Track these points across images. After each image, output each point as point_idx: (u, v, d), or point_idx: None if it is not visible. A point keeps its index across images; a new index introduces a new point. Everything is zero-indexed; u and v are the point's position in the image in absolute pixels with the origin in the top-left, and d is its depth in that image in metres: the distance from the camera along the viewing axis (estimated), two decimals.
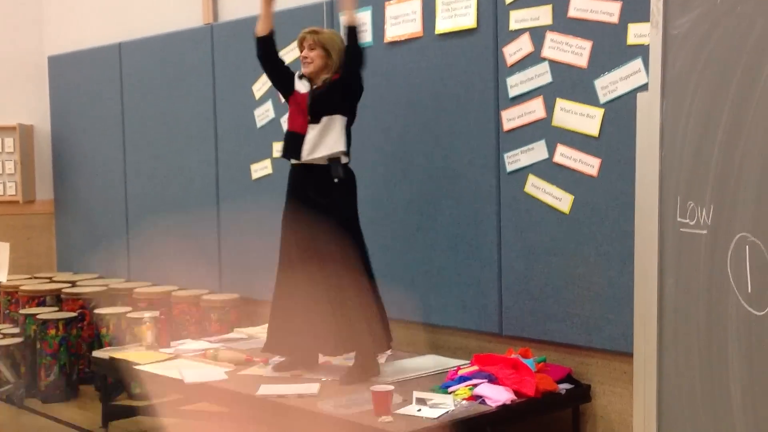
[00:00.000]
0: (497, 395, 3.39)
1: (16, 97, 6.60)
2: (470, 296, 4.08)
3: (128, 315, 5.15)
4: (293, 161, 3.95)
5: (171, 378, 3.97)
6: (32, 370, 5.22)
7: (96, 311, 5.34)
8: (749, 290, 2.05)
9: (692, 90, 2.30)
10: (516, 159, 3.89)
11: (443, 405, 3.32)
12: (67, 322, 5.16)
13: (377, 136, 4.41)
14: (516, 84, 3.87)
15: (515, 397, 3.42)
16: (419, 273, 4.29)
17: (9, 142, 6.50)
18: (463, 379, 3.59)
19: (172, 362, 4.21)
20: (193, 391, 3.92)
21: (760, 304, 2.01)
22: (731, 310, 2.12)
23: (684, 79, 2.35)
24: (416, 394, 3.42)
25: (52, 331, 5.09)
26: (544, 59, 3.77)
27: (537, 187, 3.82)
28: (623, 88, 3.53)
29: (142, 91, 5.84)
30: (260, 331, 4.79)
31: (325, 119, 3.85)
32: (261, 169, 5.08)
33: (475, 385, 3.50)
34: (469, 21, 4.02)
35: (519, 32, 3.85)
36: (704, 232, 2.23)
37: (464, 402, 3.38)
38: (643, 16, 3.38)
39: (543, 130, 3.79)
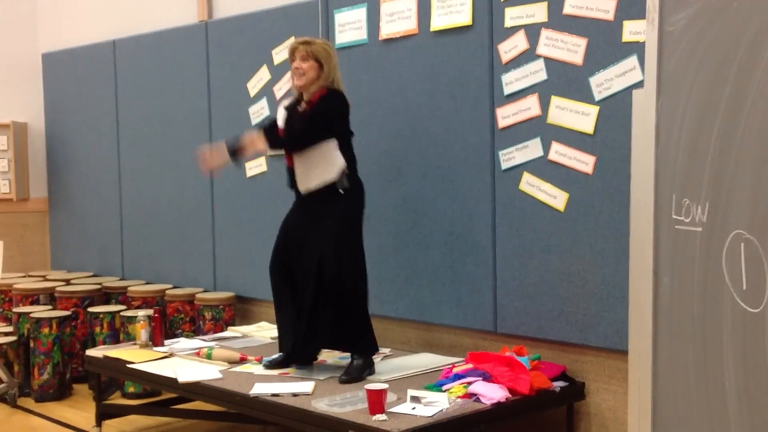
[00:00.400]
0: (492, 393, 3.39)
1: (10, 95, 6.57)
2: (465, 294, 4.08)
3: (122, 313, 5.14)
4: None
5: (165, 377, 3.96)
6: (26, 369, 5.20)
7: (90, 310, 5.33)
8: (744, 287, 2.05)
9: (688, 87, 2.30)
10: (511, 156, 3.88)
11: (437, 403, 3.32)
12: (61, 320, 5.14)
13: (372, 133, 4.40)
14: (511, 81, 3.86)
15: (510, 395, 3.42)
16: (414, 271, 4.28)
17: (2, 140, 6.48)
18: (457, 377, 3.58)
19: (166, 361, 4.20)
20: (187, 390, 3.90)
21: (755, 300, 2.01)
22: (726, 307, 2.12)
23: (679, 76, 2.34)
24: (410, 392, 3.42)
25: (46, 330, 5.07)
26: (539, 56, 3.77)
27: (532, 185, 3.82)
28: (618, 86, 3.52)
29: (137, 89, 5.82)
30: (254, 330, 4.79)
31: (308, 151, 3.80)
32: (255, 167, 5.07)
33: (469, 383, 3.49)
34: (464, 18, 4.02)
35: (514, 29, 3.84)
36: (699, 229, 2.23)
37: (458, 400, 3.38)
38: (639, 13, 3.39)
39: (538, 127, 3.78)
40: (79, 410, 4.92)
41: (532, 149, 3.80)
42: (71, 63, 6.35)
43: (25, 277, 6.11)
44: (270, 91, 4.95)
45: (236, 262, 5.22)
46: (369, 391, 3.25)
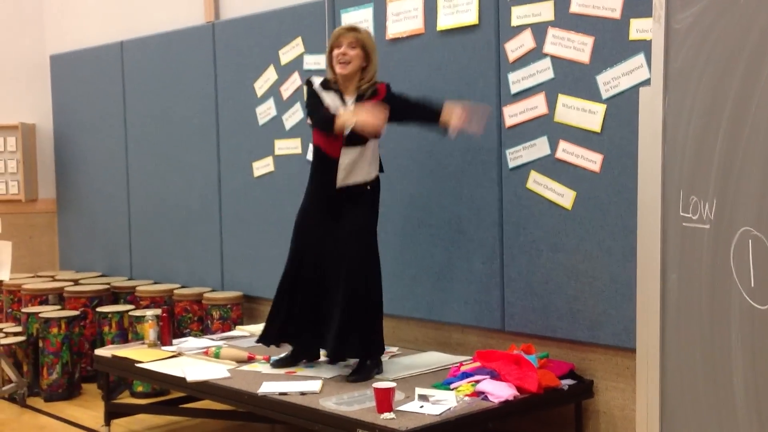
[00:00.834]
0: (500, 391, 3.39)
1: (19, 96, 6.60)
2: (472, 292, 4.08)
3: (130, 313, 5.16)
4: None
5: (173, 376, 3.97)
6: (35, 369, 5.22)
7: (98, 309, 5.35)
8: (752, 284, 2.05)
9: (695, 85, 2.30)
10: (518, 155, 3.88)
11: (445, 401, 3.32)
12: (70, 320, 5.16)
13: None
14: (518, 80, 3.86)
15: (518, 393, 3.42)
16: (421, 269, 4.28)
17: (11, 141, 6.51)
18: (465, 375, 3.59)
19: (175, 360, 4.21)
20: (195, 389, 3.91)
21: (763, 298, 2.01)
22: (734, 305, 2.12)
23: (686, 73, 2.34)
24: (418, 390, 3.42)
25: (55, 330, 5.09)
26: (545, 55, 3.77)
27: (539, 183, 3.82)
28: (625, 84, 3.52)
29: (144, 90, 5.84)
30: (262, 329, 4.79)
31: (362, 146, 3.73)
32: (263, 166, 5.08)
33: (477, 382, 3.49)
34: (470, 17, 4.02)
35: (521, 28, 3.84)
36: (707, 226, 2.23)
37: (466, 398, 3.38)
38: (646, 11, 3.39)
39: (545, 126, 3.78)
40: (88, 409, 4.94)
41: (539, 148, 3.81)
42: (79, 64, 6.37)
43: (33, 277, 6.14)
44: (277, 92, 4.96)
45: (244, 261, 5.23)
46: (377, 390, 3.25)
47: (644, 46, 3.42)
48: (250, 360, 4.09)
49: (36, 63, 6.68)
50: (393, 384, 3.30)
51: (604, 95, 3.59)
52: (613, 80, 3.56)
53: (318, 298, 3.85)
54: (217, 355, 4.14)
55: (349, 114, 3.66)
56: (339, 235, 3.79)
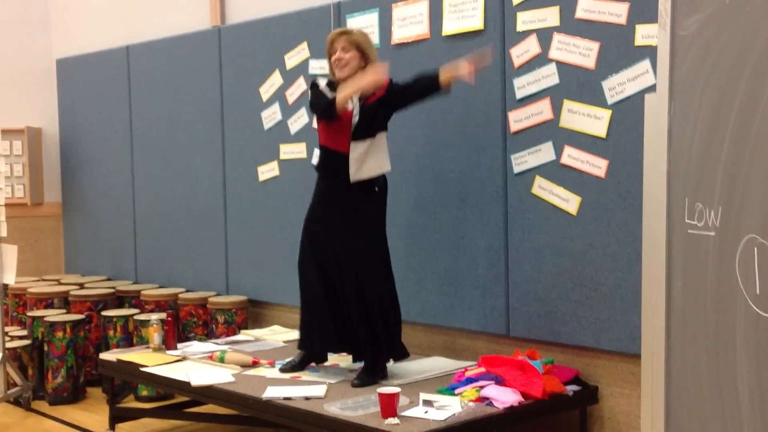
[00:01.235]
0: (504, 397, 3.38)
1: (25, 100, 6.62)
2: (477, 298, 4.08)
3: (135, 317, 5.16)
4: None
5: (178, 380, 3.97)
6: (40, 373, 5.23)
7: (103, 313, 5.36)
8: (758, 292, 2.04)
9: (700, 91, 2.30)
10: (523, 160, 3.88)
11: (450, 407, 3.32)
12: (75, 324, 5.16)
13: None
14: (523, 85, 3.86)
15: (522, 399, 3.41)
16: (426, 274, 4.28)
17: (17, 145, 6.52)
18: (469, 380, 3.58)
19: (179, 364, 4.21)
20: (199, 394, 3.91)
21: None
22: (739, 312, 2.11)
23: (692, 80, 2.34)
24: (423, 395, 3.42)
25: (60, 334, 5.09)
26: (551, 60, 3.77)
27: (544, 189, 3.81)
28: (631, 90, 3.52)
29: (150, 94, 5.85)
30: (267, 334, 4.80)
31: (372, 138, 3.75)
32: (268, 171, 5.08)
33: (482, 387, 3.49)
34: (476, 22, 4.02)
35: (526, 33, 3.84)
36: (712, 233, 2.22)
37: (471, 404, 3.37)
38: (651, 17, 3.38)
39: (550, 131, 3.78)
40: (93, 413, 4.94)
41: (544, 153, 3.80)
42: (85, 68, 6.38)
43: (39, 281, 6.15)
44: (282, 96, 4.97)
45: (249, 265, 5.23)
46: (381, 395, 3.25)
47: (650, 52, 3.42)
48: (254, 364, 4.09)
49: (42, 67, 6.70)
50: (397, 389, 3.30)
51: (610, 101, 3.59)
52: (618, 86, 3.56)
53: (335, 301, 3.86)
54: (221, 360, 4.14)
55: (347, 87, 3.67)
56: (347, 238, 3.79)
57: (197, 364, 4.19)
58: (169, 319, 4.50)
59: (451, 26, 4.12)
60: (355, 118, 3.73)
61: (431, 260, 4.25)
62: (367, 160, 3.76)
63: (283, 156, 4.98)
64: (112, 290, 5.67)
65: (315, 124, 4.03)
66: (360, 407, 3.38)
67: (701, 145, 2.29)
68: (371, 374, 3.76)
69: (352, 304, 3.76)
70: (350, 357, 4.01)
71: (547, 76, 3.78)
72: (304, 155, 4.84)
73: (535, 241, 3.86)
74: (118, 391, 4.75)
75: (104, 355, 4.54)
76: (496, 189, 3.98)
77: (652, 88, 3.28)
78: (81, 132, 6.46)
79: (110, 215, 6.21)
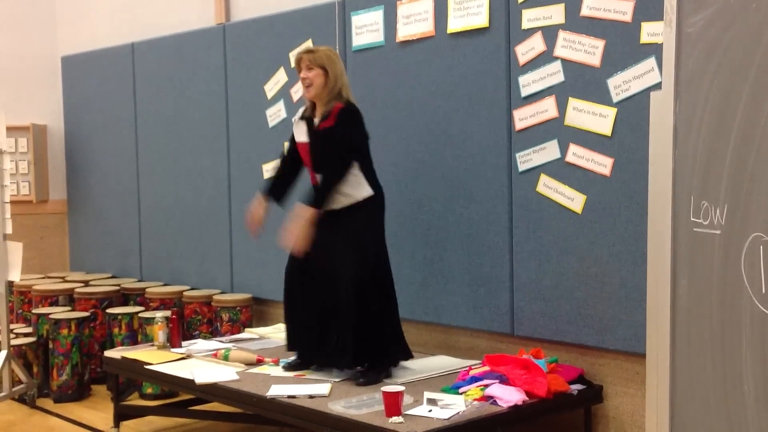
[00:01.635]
0: (508, 396, 3.38)
1: (30, 98, 6.63)
2: (482, 296, 4.07)
3: (140, 315, 5.17)
4: None
5: (182, 378, 3.97)
6: (45, 370, 5.24)
7: (108, 311, 5.36)
8: (763, 290, 2.03)
9: (706, 89, 2.29)
10: (528, 158, 3.87)
11: (454, 406, 3.31)
12: (80, 321, 5.17)
13: (389, 135, 4.40)
14: (528, 83, 3.85)
15: (527, 398, 3.41)
16: (430, 273, 4.27)
17: (22, 142, 6.53)
18: (474, 379, 3.58)
19: (184, 362, 4.21)
20: (204, 391, 3.91)
21: None
22: (745, 311, 2.10)
23: (698, 77, 2.33)
24: (427, 394, 3.41)
25: (65, 331, 5.10)
26: (556, 58, 3.75)
27: (549, 187, 3.80)
28: (636, 88, 3.51)
29: (155, 91, 5.85)
30: (271, 332, 4.80)
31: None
32: (273, 169, 5.06)
33: (486, 386, 3.48)
34: (481, 20, 4.01)
35: (531, 31, 3.83)
36: (718, 232, 2.21)
37: (475, 402, 3.37)
38: (657, 15, 3.37)
39: (555, 129, 3.77)
40: (98, 411, 4.95)
41: (549, 151, 3.79)
42: (90, 66, 6.39)
43: (44, 278, 6.16)
44: (287, 94, 4.96)
45: (253, 264, 5.23)
46: (385, 394, 3.24)
47: (655, 50, 3.40)
48: (258, 362, 4.09)
49: (47, 64, 6.71)
50: (402, 388, 3.30)
51: (615, 99, 3.58)
52: (623, 84, 3.55)
53: (316, 307, 3.87)
54: (226, 358, 4.14)
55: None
56: (335, 246, 3.79)
57: (202, 362, 4.19)
58: (174, 316, 4.50)
59: (456, 24, 4.11)
60: (310, 152, 3.84)
61: (436, 259, 4.25)
62: (338, 196, 3.77)
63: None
64: (117, 288, 5.67)
65: None
66: (364, 406, 3.38)
67: (707, 143, 2.28)
68: (375, 373, 3.75)
69: (343, 311, 3.75)
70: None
71: (553, 74, 3.77)
72: None
73: (540, 240, 3.85)
74: (123, 388, 4.75)
75: (109, 353, 4.54)
76: (500, 187, 3.97)
77: (657, 86, 3.27)
78: (86, 129, 6.47)
79: (115, 212, 6.22)
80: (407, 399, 3.34)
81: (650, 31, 3.45)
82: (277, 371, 3.95)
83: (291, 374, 3.89)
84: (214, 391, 3.86)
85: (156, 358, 4.26)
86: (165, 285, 5.73)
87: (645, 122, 3.22)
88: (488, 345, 4.09)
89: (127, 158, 6.09)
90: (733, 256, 2.15)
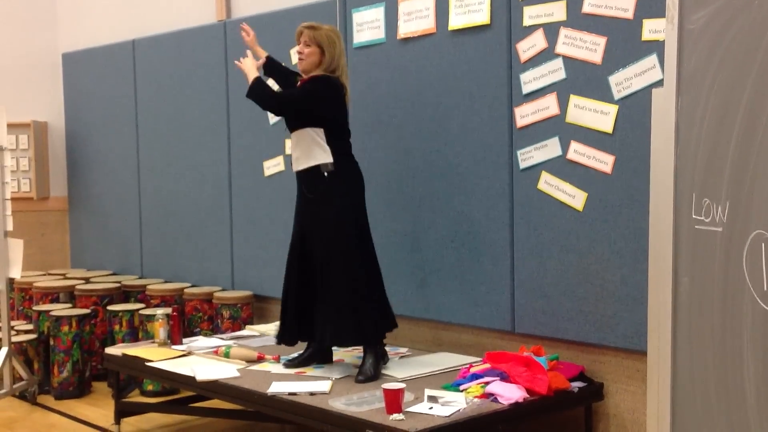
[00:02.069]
0: (509, 393, 3.38)
1: (31, 94, 6.62)
2: (482, 294, 4.07)
3: (141, 312, 5.17)
4: None
5: (183, 375, 3.97)
6: (45, 367, 5.24)
7: (109, 308, 5.36)
8: (765, 288, 2.03)
9: (708, 86, 2.28)
10: (529, 156, 3.87)
11: (455, 403, 3.31)
12: (81, 318, 5.17)
13: (389, 132, 4.40)
14: (529, 80, 3.85)
15: (527, 395, 3.40)
16: (431, 270, 4.27)
17: (23, 139, 6.53)
18: (475, 376, 3.58)
19: (185, 359, 4.21)
20: (204, 389, 3.91)
21: None
22: (746, 308, 2.10)
23: (700, 75, 2.33)
24: (428, 391, 3.41)
25: (66, 328, 5.10)
26: (557, 55, 3.75)
27: (550, 185, 3.80)
28: (638, 85, 3.50)
29: (156, 88, 5.85)
30: (272, 329, 4.79)
31: (294, 134, 3.88)
32: (273, 166, 5.08)
33: (487, 383, 3.48)
34: (482, 17, 4.00)
35: (532, 28, 3.83)
36: (719, 229, 2.21)
37: (476, 400, 3.37)
38: (659, 12, 3.37)
39: (556, 126, 3.77)
40: (98, 408, 4.95)
41: (550, 148, 3.79)
42: (91, 62, 6.39)
43: (45, 275, 6.16)
44: None
45: (254, 261, 5.23)
46: (386, 391, 3.24)
47: (657, 47, 3.40)
48: (259, 360, 4.09)
49: (48, 61, 6.70)
50: (402, 385, 3.30)
51: (617, 96, 3.57)
52: (625, 81, 3.54)
53: (309, 289, 3.90)
54: (226, 355, 4.14)
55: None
56: (314, 225, 3.85)
57: (202, 359, 4.19)
58: (175, 313, 4.50)
59: (457, 21, 4.10)
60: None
61: (437, 256, 4.25)
62: (299, 153, 3.86)
63: (288, 151, 4.97)
64: (117, 285, 5.67)
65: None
66: (365, 403, 3.38)
67: (709, 140, 2.28)
68: (372, 368, 3.74)
69: (322, 287, 3.79)
70: (355, 352, 4.01)
71: (554, 71, 3.76)
72: None
73: (541, 237, 3.84)
74: (124, 385, 4.75)
75: (110, 350, 4.54)
76: (502, 185, 3.97)
77: (659, 83, 3.27)
78: (87, 126, 6.47)
79: (116, 209, 6.22)
80: (408, 396, 3.34)
81: (652, 28, 3.44)
82: (278, 368, 3.95)
83: (292, 371, 3.89)
84: (214, 388, 3.86)
85: (157, 355, 4.26)
86: (166, 282, 5.72)
87: (646, 119, 3.22)
88: (489, 342, 4.09)
89: (127, 155, 6.09)
90: (734, 253, 2.14)
